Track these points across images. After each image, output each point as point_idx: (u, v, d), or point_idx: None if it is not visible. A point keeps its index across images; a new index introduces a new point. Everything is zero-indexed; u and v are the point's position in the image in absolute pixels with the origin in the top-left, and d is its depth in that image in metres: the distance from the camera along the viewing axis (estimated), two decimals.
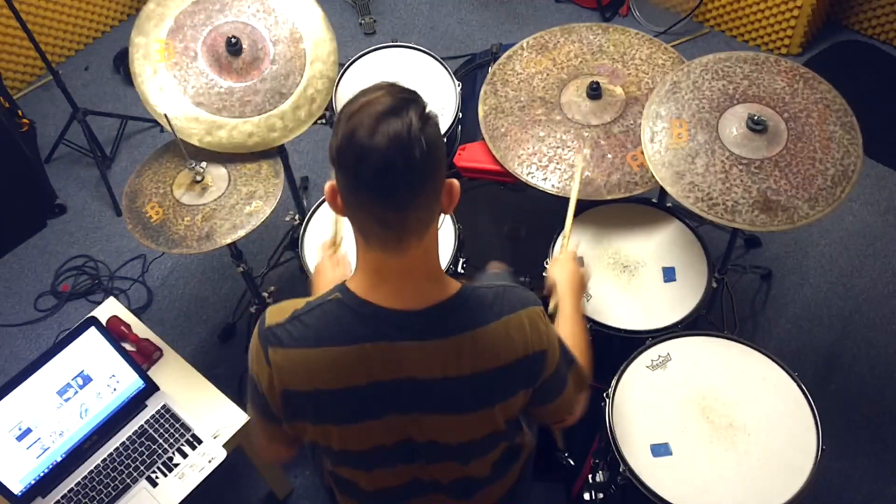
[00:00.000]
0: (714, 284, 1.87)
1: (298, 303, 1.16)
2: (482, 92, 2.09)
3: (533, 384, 1.21)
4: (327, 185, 1.10)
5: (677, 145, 1.77)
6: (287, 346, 1.13)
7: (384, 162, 0.98)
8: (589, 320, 1.81)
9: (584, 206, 2.02)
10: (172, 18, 2.00)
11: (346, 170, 1.02)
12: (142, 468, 1.80)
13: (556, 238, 1.97)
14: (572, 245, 1.69)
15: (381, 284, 1.12)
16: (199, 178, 1.94)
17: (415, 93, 1.05)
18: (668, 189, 1.74)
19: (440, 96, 2.21)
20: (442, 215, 1.11)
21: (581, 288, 1.57)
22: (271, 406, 1.18)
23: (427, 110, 1.03)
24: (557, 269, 1.59)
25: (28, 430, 1.73)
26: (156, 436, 1.84)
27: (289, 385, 1.14)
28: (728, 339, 1.73)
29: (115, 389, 1.83)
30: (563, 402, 1.29)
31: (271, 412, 1.19)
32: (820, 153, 1.73)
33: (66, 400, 1.77)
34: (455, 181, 1.11)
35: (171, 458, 1.81)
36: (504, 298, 1.16)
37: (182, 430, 1.85)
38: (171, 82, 1.96)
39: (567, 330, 1.44)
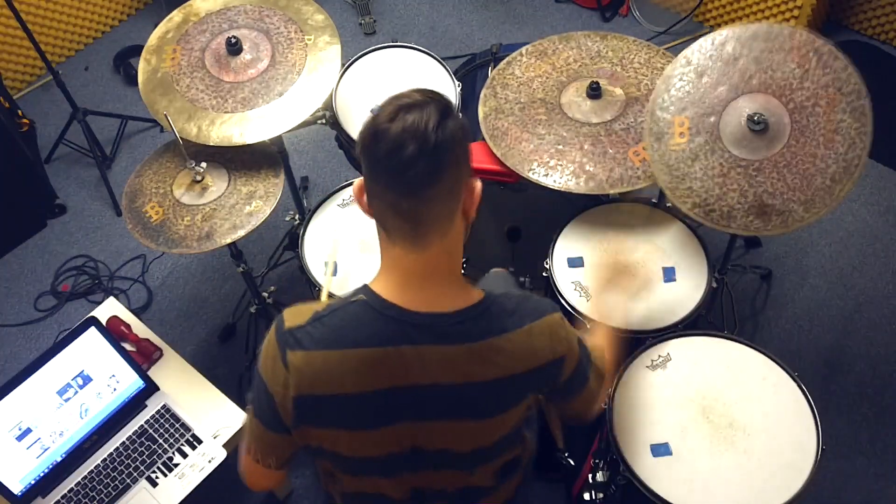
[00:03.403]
0: (714, 284, 1.87)
1: (318, 305, 1.15)
2: (482, 95, 2.09)
3: (552, 386, 1.23)
4: (356, 183, 1.12)
5: (678, 146, 1.77)
6: (308, 348, 1.11)
7: (397, 143, 1.01)
8: (589, 320, 1.81)
9: (584, 206, 2.02)
10: (185, 29, 2.05)
11: (365, 152, 1.05)
12: (142, 468, 1.80)
13: (556, 238, 1.96)
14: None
15: (405, 286, 1.11)
16: (199, 178, 1.94)
17: (445, 97, 1.08)
18: (668, 194, 1.74)
19: None
20: (466, 222, 1.12)
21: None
22: (280, 412, 1.16)
23: (450, 108, 1.06)
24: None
25: (28, 430, 1.73)
26: (156, 436, 1.84)
27: (306, 389, 1.13)
28: (728, 339, 1.73)
29: (115, 389, 1.83)
30: (586, 396, 1.31)
31: (277, 419, 1.17)
32: (823, 148, 1.70)
33: (66, 400, 1.77)
34: (478, 182, 1.12)
35: (171, 458, 1.81)
36: (525, 307, 1.18)
37: (182, 430, 1.85)
38: (172, 80, 1.97)
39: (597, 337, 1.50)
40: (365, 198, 1.11)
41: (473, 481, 1.30)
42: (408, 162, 1.01)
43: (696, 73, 1.81)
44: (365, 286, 1.15)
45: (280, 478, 1.28)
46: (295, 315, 1.15)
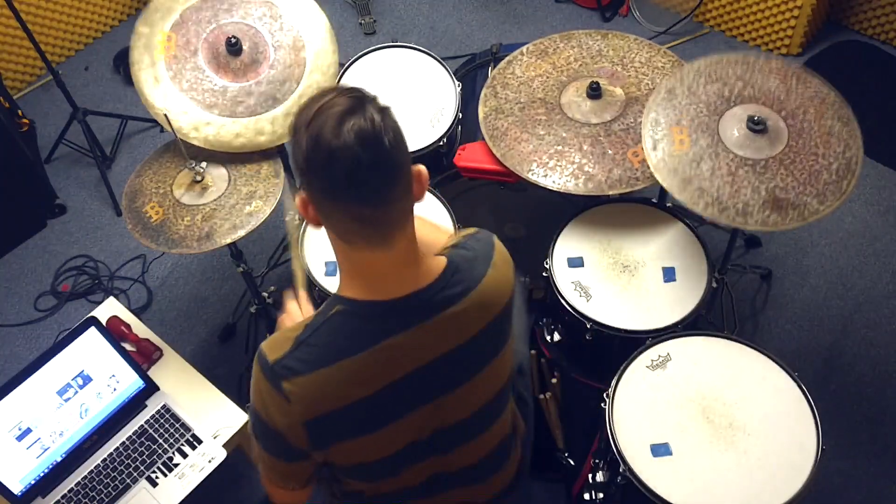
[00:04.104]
0: (714, 284, 1.87)
1: (295, 329, 1.14)
2: (482, 94, 2.09)
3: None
4: (297, 200, 1.09)
5: (680, 151, 1.77)
6: (304, 372, 1.10)
7: (354, 159, 0.98)
8: (589, 320, 1.81)
9: (584, 206, 2.02)
10: (179, 13, 2.00)
11: (317, 175, 1.02)
12: (142, 468, 1.80)
13: (556, 238, 1.96)
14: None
15: (376, 282, 1.11)
16: (199, 178, 1.94)
17: (365, 90, 1.05)
18: (678, 196, 1.73)
19: (440, 96, 2.21)
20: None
21: None
22: (291, 442, 1.15)
23: (381, 103, 1.04)
24: None
25: (28, 430, 1.73)
26: (156, 436, 1.84)
27: (315, 411, 1.12)
28: (728, 339, 1.73)
29: (115, 389, 1.83)
30: None
31: (289, 449, 1.16)
32: (822, 148, 1.74)
33: (66, 400, 1.77)
34: (422, 167, 1.11)
35: (171, 458, 1.81)
36: (480, 246, 1.23)
37: (182, 430, 1.85)
38: (166, 74, 1.96)
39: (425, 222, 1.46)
40: (311, 210, 1.08)
41: (486, 444, 1.33)
42: (369, 172, 0.99)
43: (686, 91, 1.84)
44: (336, 296, 1.14)
45: (306, 494, 1.28)
46: (275, 347, 1.13)
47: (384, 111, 1.03)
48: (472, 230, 1.27)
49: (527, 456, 1.53)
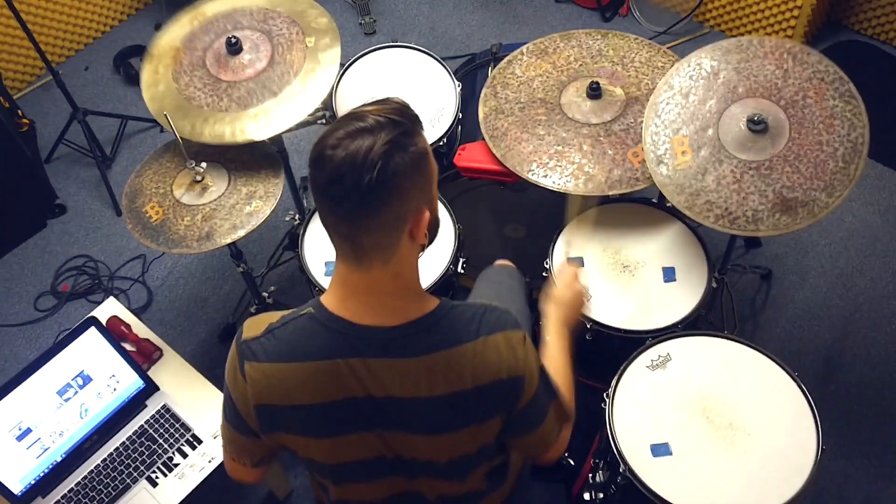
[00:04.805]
0: (714, 284, 1.87)
1: (274, 316, 1.16)
2: (482, 94, 2.09)
3: (509, 410, 1.17)
4: None
5: (684, 164, 1.76)
6: (262, 360, 1.13)
7: (335, 173, 0.99)
8: (589, 320, 1.81)
9: (584, 206, 2.02)
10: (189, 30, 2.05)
11: (310, 172, 1.04)
12: (142, 468, 1.80)
13: (557, 238, 1.96)
14: (575, 264, 1.59)
15: (350, 298, 1.11)
16: (199, 178, 1.94)
17: (408, 120, 1.03)
18: (687, 213, 1.72)
19: (440, 96, 2.21)
20: (415, 244, 1.08)
21: (574, 321, 1.49)
22: (245, 419, 1.18)
23: (405, 135, 1.01)
24: (553, 295, 1.50)
25: (28, 430, 1.73)
26: (156, 436, 1.84)
27: (263, 399, 1.14)
28: (728, 339, 1.73)
29: (115, 389, 1.83)
30: (543, 435, 1.24)
31: (244, 424, 1.19)
32: (825, 134, 1.71)
33: (66, 400, 1.77)
34: (427, 213, 1.07)
35: (171, 458, 1.82)
36: (483, 319, 1.13)
37: (182, 430, 1.85)
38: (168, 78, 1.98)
39: (552, 363, 1.36)
40: None
41: (453, 489, 1.28)
42: (344, 194, 0.99)
43: (681, 94, 1.83)
44: (315, 298, 1.15)
45: (259, 474, 1.31)
46: (252, 326, 1.16)
47: (398, 146, 1.00)
48: (499, 308, 1.17)
49: (525, 475, 1.51)
